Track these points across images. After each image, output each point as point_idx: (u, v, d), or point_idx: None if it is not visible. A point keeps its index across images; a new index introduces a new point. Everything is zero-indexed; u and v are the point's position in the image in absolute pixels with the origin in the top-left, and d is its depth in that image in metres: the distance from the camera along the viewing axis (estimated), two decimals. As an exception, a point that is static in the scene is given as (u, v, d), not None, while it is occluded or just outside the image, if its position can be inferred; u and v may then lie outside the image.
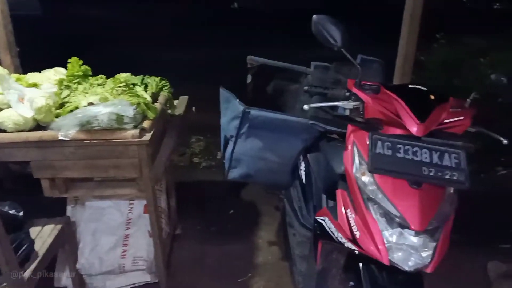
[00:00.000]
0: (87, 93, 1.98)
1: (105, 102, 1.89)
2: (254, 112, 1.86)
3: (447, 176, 1.28)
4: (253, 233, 2.79)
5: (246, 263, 2.53)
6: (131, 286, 2.30)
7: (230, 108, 1.96)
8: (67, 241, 2.15)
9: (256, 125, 1.88)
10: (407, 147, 1.32)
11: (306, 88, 1.71)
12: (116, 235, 2.27)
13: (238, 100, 1.90)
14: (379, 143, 1.33)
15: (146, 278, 2.30)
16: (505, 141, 1.44)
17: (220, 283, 2.38)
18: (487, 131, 1.46)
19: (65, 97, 1.98)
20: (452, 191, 1.34)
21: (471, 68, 4.71)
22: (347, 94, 1.52)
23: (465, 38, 5.47)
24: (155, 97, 2.23)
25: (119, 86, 2.01)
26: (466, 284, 2.36)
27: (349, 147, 1.43)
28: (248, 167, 2.01)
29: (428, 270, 1.27)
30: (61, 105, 1.95)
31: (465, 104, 1.44)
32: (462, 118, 1.37)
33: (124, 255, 2.24)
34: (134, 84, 2.17)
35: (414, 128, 1.32)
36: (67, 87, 2.03)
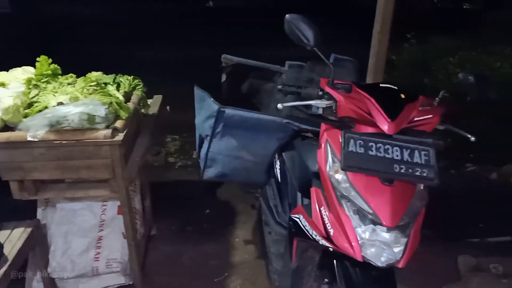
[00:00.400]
0: (56, 92, 1.93)
1: (76, 101, 1.86)
2: (229, 111, 1.85)
3: (417, 173, 1.31)
4: (229, 232, 2.79)
5: (222, 262, 2.53)
6: (105, 289, 2.27)
7: (205, 107, 1.94)
8: (37, 244, 2.10)
9: (231, 124, 1.88)
10: (378, 145, 1.34)
11: (280, 87, 1.71)
12: (88, 237, 2.22)
13: (212, 99, 1.89)
14: (352, 141, 1.35)
15: (121, 280, 2.26)
16: (472, 138, 1.48)
17: (197, 283, 2.37)
18: (455, 129, 1.50)
19: (34, 97, 1.93)
20: (422, 187, 1.36)
21: (440, 67, 4.84)
22: (320, 93, 1.53)
23: (434, 38, 5.61)
24: (128, 96, 2.19)
25: (90, 85, 1.97)
26: (437, 278, 2.42)
27: (323, 145, 1.45)
28: (223, 167, 2.01)
29: (400, 265, 1.29)
30: (30, 105, 1.90)
31: (434, 102, 1.48)
32: (431, 116, 1.40)
33: (98, 257, 2.20)
34: (105, 83, 2.13)
35: (385, 126, 1.34)
36: (36, 86, 1.98)
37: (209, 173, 2.04)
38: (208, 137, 1.94)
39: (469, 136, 1.48)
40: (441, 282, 2.40)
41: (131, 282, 2.27)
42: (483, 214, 3.03)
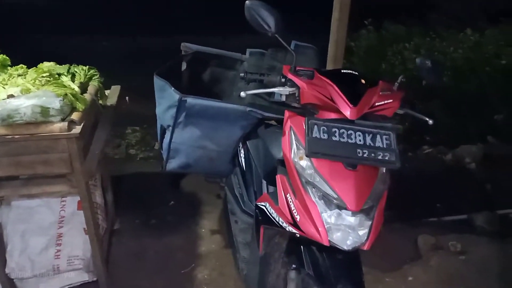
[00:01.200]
0: (6, 84, 1.83)
1: (28, 93, 1.76)
2: (191, 100, 1.82)
3: (380, 157, 1.34)
4: (195, 223, 2.76)
5: (189, 253, 2.50)
6: (68, 287, 2.19)
7: (166, 97, 1.90)
8: (-8, 245, 2.00)
9: (193, 113, 1.85)
10: (342, 130, 1.36)
11: (242, 75, 1.69)
12: (48, 235, 2.14)
13: (173, 88, 1.85)
14: (315, 127, 1.36)
15: (84, 277, 2.20)
16: (430, 122, 1.53)
17: (163, 276, 2.34)
18: (414, 113, 1.54)
19: (-18, 90, 1.82)
20: (384, 171, 1.40)
21: (397, 53, 4.96)
22: (283, 80, 1.53)
23: (391, 25, 5.73)
24: (83, 87, 2.10)
25: (43, 76, 1.88)
26: (398, 258, 2.50)
27: (287, 132, 1.45)
28: (187, 157, 1.98)
29: (365, 248, 1.33)
30: (-23, 99, 1.79)
31: (394, 87, 1.51)
32: (391, 100, 1.43)
33: (58, 255, 2.12)
34: (59, 74, 2.04)
35: (347, 112, 1.35)
36: (-17, 78, 1.87)
37: (172, 164, 2.01)
38: (170, 128, 1.91)
39: (427, 119, 1.53)
40: (403, 261, 2.48)
41: (95, 279, 2.21)
42: (440, 194, 3.15)
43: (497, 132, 4.04)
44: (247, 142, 1.99)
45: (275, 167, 1.57)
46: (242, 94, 1.55)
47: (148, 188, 3.09)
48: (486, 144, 3.91)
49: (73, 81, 2.05)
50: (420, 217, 2.89)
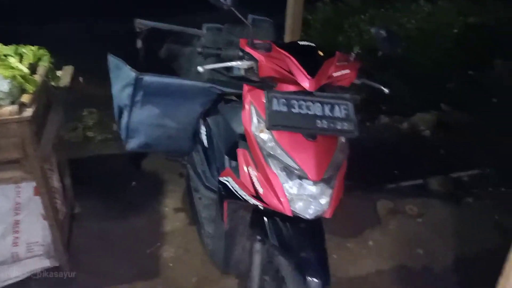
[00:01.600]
0: None
1: (-28, 76, 1.66)
2: (148, 78, 1.78)
3: (339, 127, 1.37)
4: (158, 202, 2.74)
5: (153, 233, 2.49)
6: (29, 274, 2.14)
7: (121, 76, 1.85)
8: None
9: (151, 91, 1.81)
10: (301, 102, 1.37)
11: (199, 50, 1.66)
12: (4, 222, 2.06)
13: (129, 66, 1.79)
14: (275, 100, 1.37)
15: (45, 263, 2.14)
16: (386, 91, 1.57)
17: (128, 257, 2.31)
18: (371, 82, 1.58)
19: None
20: (343, 140, 1.43)
21: (353, 25, 5.03)
22: (241, 54, 1.52)
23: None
24: (33, 68, 2.00)
25: (-13, 58, 1.78)
26: (359, 224, 2.61)
27: (247, 106, 1.45)
28: (146, 136, 1.95)
29: (327, 216, 1.37)
30: None
31: (350, 58, 1.53)
32: (348, 71, 1.45)
33: (17, 242, 2.06)
34: (6, 55, 1.93)
35: (306, 84, 1.36)
36: None
37: (132, 144, 1.97)
38: (128, 107, 1.86)
39: (383, 88, 1.57)
40: (363, 227, 2.59)
41: (57, 264, 2.16)
42: (397, 161, 3.28)
43: (450, 100, 4.21)
44: (207, 118, 1.98)
45: (236, 142, 1.57)
46: (200, 68, 1.53)
47: (108, 170, 3.02)
48: (440, 111, 4.07)
49: (21, 62, 1.95)
50: (379, 184, 3.00)
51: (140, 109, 1.86)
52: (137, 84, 1.79)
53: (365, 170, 2.96)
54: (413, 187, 3.02)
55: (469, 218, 2.70)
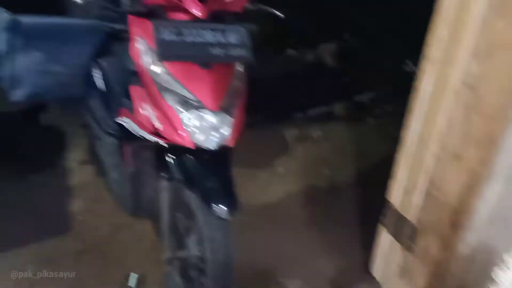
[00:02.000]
0: None
1: None
2: (27, 20, 1.58)
3: (233, 53, 1.33)
4: (62, 158, 2.57)
5: (59, 189, 2.34)
6: None
7: (-7, 19, 1.62)
8: None
9: (32, 35, 1.61)
10: (192, 30, 1.31)
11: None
12: None
13: (2, 8, 1.57)
14: (165, 30, 1.28)
15: None
16: (281, 16, 1.55)
17: (33, 216, 2.15)
18: (266, 7, 1.54)
19: None
20: (240, 68, 1.40)
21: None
22: (122, -19, 1.39)
23: None
24: None
25: None
26: (269, 154, 2.70)
27: (134, 39, 1.35)
28: (33, 85, 1.75)
29: (230, 144, 1.36)
30: None
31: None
32: (239, -5, 1.40)
33: None
34: None
35: (196, 10, 1.29)
36: None
37: (18, 95, 1.76)
38: (7, 54, 1.65)
39: (279, 14, 1.55)
40: (273, 156, 2.69)
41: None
42: (304, 92, 3.37)
43: (351, 29, 4.32)
44: (100, 60, 1.83)
45: (130, 80, 1.48)
46: None
47: (1, 128, 2.73)
48: (342, 41, 4.18)
49: None
50: (287, 115, 3.08)
51: (22, 55, 1.66)
52: (14, 28, 1.58)
53: (274, 102, 3.02)
54: (320, 114, 3.15)
55: (369, 136, 2.91)
